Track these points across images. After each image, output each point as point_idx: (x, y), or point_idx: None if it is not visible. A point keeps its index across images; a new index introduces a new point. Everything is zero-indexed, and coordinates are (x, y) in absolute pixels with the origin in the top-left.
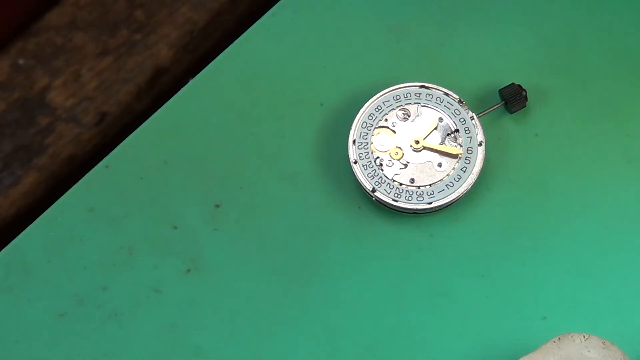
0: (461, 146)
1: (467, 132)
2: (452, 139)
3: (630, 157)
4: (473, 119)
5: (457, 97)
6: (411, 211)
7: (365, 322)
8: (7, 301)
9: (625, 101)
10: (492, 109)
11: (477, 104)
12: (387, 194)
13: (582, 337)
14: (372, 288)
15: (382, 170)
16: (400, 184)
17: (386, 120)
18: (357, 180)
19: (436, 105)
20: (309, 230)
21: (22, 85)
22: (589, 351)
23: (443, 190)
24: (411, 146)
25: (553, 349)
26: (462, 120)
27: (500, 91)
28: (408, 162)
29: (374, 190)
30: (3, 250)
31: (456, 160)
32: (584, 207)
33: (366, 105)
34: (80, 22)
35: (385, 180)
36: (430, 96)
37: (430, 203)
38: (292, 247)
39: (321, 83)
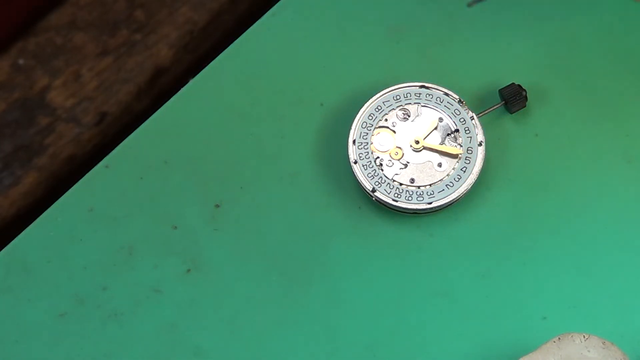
0: (461, 146)
1: (467, 132)
2: (452, 139)
3: (630, 157)
4: (473, 119)
5: (457, 97)
6: (411, 211)
7: (365, 322)
8: (7, 301)
9: (625, 101)
10: (492, 109)
11: (477, 104)
12: (387, 194)
13: (582, 337)
14: (372, 288)
15: (382, 170)
16: (400, 184)
17: (386, 120)
18: (357, 180)
19: (436, 105)
20: (309, 230)
21: (22, 85)
22: (589, 351)
23: (443, 190)
24: (411, 146)
25: (553, 349)
26: (462, 120)
27: (500, 91)
28: (408, 162)
29: (374, 190)
30: (3, 250)
31: (456, 160)
32: (584, 207)
33: (366, 105)
34: (80, 22)
35: (385, 180)
36: (430, 96)
37: (430, 203)
38: (292, 247)
39: (321, 83)
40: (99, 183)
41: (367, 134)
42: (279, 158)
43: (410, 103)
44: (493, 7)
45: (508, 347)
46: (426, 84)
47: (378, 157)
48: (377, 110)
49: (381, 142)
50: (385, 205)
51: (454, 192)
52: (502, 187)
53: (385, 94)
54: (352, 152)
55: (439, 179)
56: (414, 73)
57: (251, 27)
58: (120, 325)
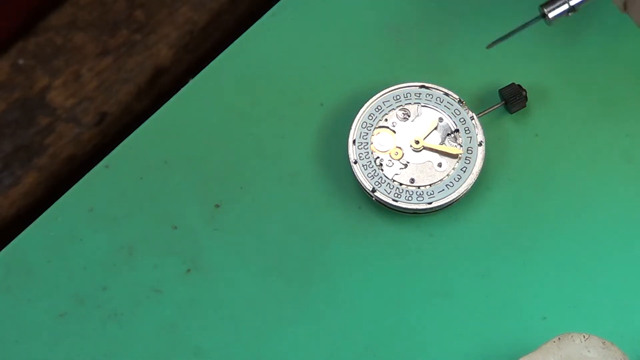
0: (461, 146)
1: (467, 132)
2: (452, 139)
3: (630, 157)
4: (473, 119)
5: (457, 97)
6: (411, 211)
7: (365, 322)
8: (7, 301)
9: (625, 101)
10: (492, 109)
11: (477, 104)
12: (387, 194)
13: (582, 337)
14: (372, 288)
15: (382, 170)
16: (400, 184)
17: (386, 120)
18: (357, 180)
19: (436, 105)
20: (309, 230)
21: (22, 85)
22: (589, 351)
23: (443, 190)
24: (411, 146)
25: (553, 349)
26: (462, 120)
27: (500, 91)
28: (408, 162)
29: (374, 190)
30: (3, 250)
31: (456, 160)
32: (584, 207)
33: (366, 105)
34: (80, 22)
35: (385, 180)
36: (430, 96)
37: (430, 203)
38: (292, 247)
39: (321, 83)
40: (99, 183)
41: (367, 134)
42: (279, 158)
43: (410, 103)
44: (493, 7)
45: (508, 347)
46: (426, 84)
47: (378, 157)
48: (377, 110)
49: (381, 142)
50: (385, 205)
51: (454, 192)
52: (502, 187)
53: (385, 94)
54: (352, 152)
55: (439, 179)
56: (414, 73)
57: (251, 27)
58: (120, 325)
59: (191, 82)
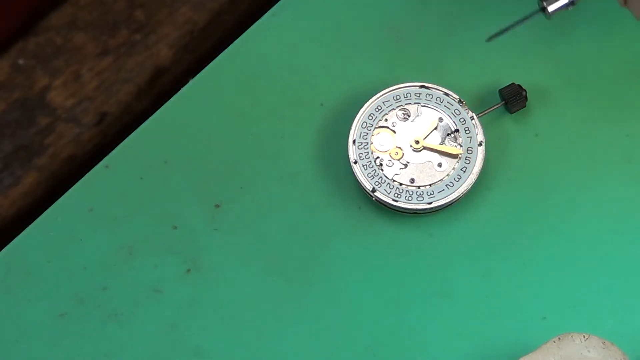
0: (461, 146)
1: (467, 132)
2: (452, 139)
3: (630, 157)
4: (473, 119)
5: (457, 97)
6: (411, 211)
7: (365, 322)
8: (7, 301)
9: (625, 101)
10: (492, 109)
11: (477, 104)
12: (387, 194)
13: (582, 337)
14: (372, 288)
15: (382, 170)
16: (400, 184)
17: (386, 120)
18: (357, 180)
19: (436, 105)
20: (309, 230)
21: (22, 85)
22: (589, 351)
23: (443, 190)
24: (411, 146)
25: (553, 349)
26: (462, 120)
27: (500, 91)
28: (408, 162)
29: (374, 190)
30: (3, 250)
31: (456, 160)
32: (584, 207)
33: (366, 105)
34: (80, 22)
35: (385, 180)
36: (430, 96)
37: (430, 203)
38: (292, 247)
39: (321, 83)
40: (99, 183)
41: (367, 134)
42: (279, 158)
43: (410, 103)
44: (493, 7)
45: (508, 347)
46: (426, 84)
47: (378, 157)
48: (377, 110)
49: (381, 142)
50: (385, 205)
51: (454, 192)
52: (502, 187)
53: (385, 94)
54: (352, 152)
55: (439, 179)
56: (414, 73)
57: (251, 27)
58: (120, 325)
59: (191, 82)
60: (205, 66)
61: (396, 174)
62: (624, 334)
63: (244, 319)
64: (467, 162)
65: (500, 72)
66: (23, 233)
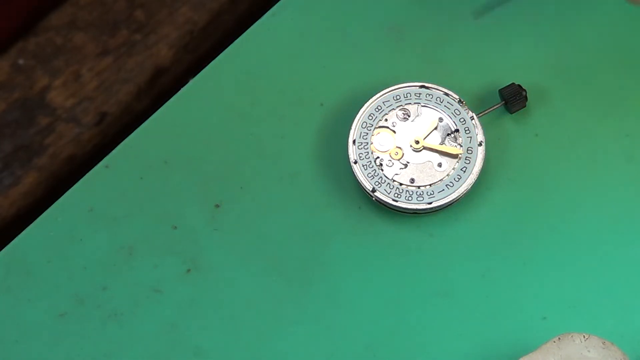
0: (461, 146)
1: (467, 132)
2: (452, 139)
3: (630, 157)
4: (473, 119)
5: (457, 97)
6: (411, 211)
7: (365, 322)
8: (7, 301)
9: (625, 101)
10: (492, 109)
11: (477, 104)
12: (387, 194)
13: (582, 337)
14: (372, 288)
15: (382, 170)
16: (400, 184)
17: (386, 120)
18: (357, 180)
19: (436, 105)
20: (309, 230)
21: (22, 85)
22: (589, 351)
23: (443, 190)
24: (411, 146)
25: (553, 349)
26: (462, 120)
27: (500, 91)
28: (408, 162)
29: (374, 190)
30: (3, 250)
31: (456, 160)
32: (584, 207)
33: (366, 105)
34: (80, 22)
35: (385, 180)
36: (430, 96)
37: (430, 203)
38: (292, 247)
39: (321, 83)
40: (99, 183)
41: (367, 134)
42: (279, 158)
43: (410, 103)
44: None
45: (508, 347)
46: (426, 84)
47: (378, 157)
48: (377, 110)
49: (381, 142)
50: (385, 205)
51: (454, 192)
52: (502, 187)
53: (385, 94)
54: (352, 152)
55: (439, 179)
56: (414, 73)
57: (251, 27)
58: (120, 325)
59: (191, 82)
60: (205, 66)
61: (396, 174)
62: (624, 334)
63: (244, 319)
64: (467, 162)
65: (500, 72)
66: (23, 233)
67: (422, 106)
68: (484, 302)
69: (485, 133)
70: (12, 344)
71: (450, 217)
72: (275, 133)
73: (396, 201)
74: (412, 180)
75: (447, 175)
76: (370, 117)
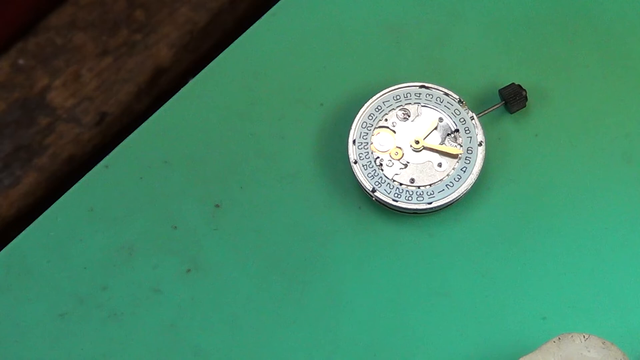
0: (461, 146)
1: (467, 132)
2: (452, 139)
3: (629, 157)
4: (473, 119)
5: (457, 97)
6: (411, 211)
7: (365, 322)
8: (7, 301)
9: (624, 101)
10: (492, 109)
11: (477, 104)
12: (387, 194)
13: (582, 337)
14: (372, 288)
15: (382, 170)
16: (400, 184)
17: (386, 120)
18: (357, 180)
19: (436, 105)
20: (309, 230)
21: (22, 85)
22: (589, 351)
23: (443, 190)
24: (411, 146)
25: (553, 349)
26: (462, 120)
27: (500, 91)
28: (408, 162)
29: (374, 190)
30: (3, 250)
31: (456, 160)
32: (583, 207)
33: (366, 105)
34: (80, 22)
35: (385, 180)
36: (430, 96)
37: (430, 203)
38: (292, 247)
39: (321, 83)
40: (99, 183)
41: (367, 134)
42: (279, 158)
43: (410, 103)
44: (493, 7)
45: (508, 347)
46: (426, 84)
47: (378, 157)
48: (377, 110)
49: (381, 142)
50: (385, 205)
51: (454, 192)
52: (502, 187)
53: (385, 94)
54: (352, 152)
55: (439, 179)
56: (414, 73)
57: (251, 27)
58: (120, 325)
59: (191, 82)
60: (205, 66)
61: (396, 174)
62: (624, 334)
63: (244, 319)
64: (467, 162)
65: (500, 72)
66: (23, 233)
67: (422, 106)
68: (484, 302)
69: (485, 133)
70: (12, 344)
71: (450, 217)
72: (275, 133)
73: (396, 201)
74: (412, 180)
75: (447, 175)
76: (370, 117)
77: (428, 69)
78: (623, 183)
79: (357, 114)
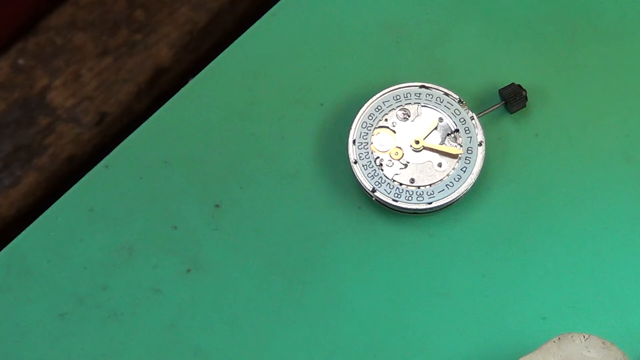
0: (461, 146)
1: (467, 132)
2: (452, 139)
3: (630, 157)
4: (473, 119)
5: (457, 97)
6: (411, 211)
7: (365, 322)
8: (7, 301)
9: (624, 101)
10: (492, 109)
11: (477, 104)
12: (387, 194)
13: (582, 337)
14: (372, 288)
15: (382, 170)
16: (400, 184)
17: (386, 120)
18: (357, 180)
19: (436, 105)
20: (309, 230)
21: (22, 85)
22: (589, 351)
23: (443, 190)
24: (411, 146)
25: (553, 349)
26: (462, 120)
27: (500, 91)
28: (408, 162)
29: (374, 190)
30: (3, 250)
31: (456, 160)
32: (583, 207)
33: (366, 105)
34: (80, 22)
35: (385, 180)
36: (430, 96)
37: (430, 203)
38: (292, 247)
39: (321, 83)
40: (99, 183)
41: (367, 134)
42: (279, 158)
43: (410, 103)
44: (493, 7)
45: (508, 347)
46: (426, 84)
47: (378, 157)
48: (377, 110)
49: (381, 142)
50: (385, 205)
51: (454, 192)
52: (502, 187)
53: (385, 94)
54: (352, 152)
55: (439, 179)
56: (414, 73)
57: (251, 27)
58: (120, 325)
59: (191, 82)
60: (205, 66)
61: (396, 174)
62: (624, 334)
63: (244, 319)
64: (467, 162)
65: (500, 72)
66: (23, 233)
67: (422, 106)
68: (484, 302)
69: (485, 133)
70: (12, 344)
71: (450, 217)
72: (275, 133)
73: (396, 201)
74: (412, 180)
75: (447, 175)
76: (370, 117)
77: (428, 69)
78: (623, 183)
79: (357, 114)
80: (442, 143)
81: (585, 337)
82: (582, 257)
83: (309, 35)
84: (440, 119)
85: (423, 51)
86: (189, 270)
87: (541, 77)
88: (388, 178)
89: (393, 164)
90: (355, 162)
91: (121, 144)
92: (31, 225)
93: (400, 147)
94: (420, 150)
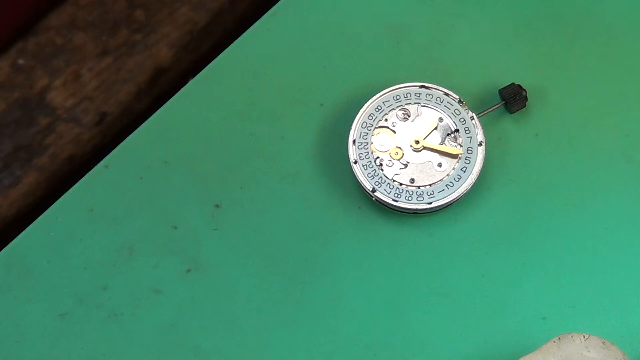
0: (461, 146)
1: (467, 132)
2: (452, 139)
3: (630, 157)
4: (473, 119)
5: (457, 97)
6: (411, 211)
7: (365, 322)
8: (7, 301)
9: (624, 101)
10: (492, 109)
11: (477, 104)
12: (387, 194)
13: (582, 337)
14: (372, 288)
15: (382, 170)
16: (400, 184)
17: (386, 120)
18: (357, 180)
19: (436, 105)
20: (309, 231)
21: (22, 85)
22: (589, 351)
23: (443, 190)
24: (411, 146)
25: (553, 349)
26: (462, 120)
27: (500, 91)
28: (408, 162)
29: (374, 190)
30: (3, 250)
31: (456, 160)
32: (583, 207)
33: (366, 105)
34: (80, 22)
35: (385, 180)
36: (430, 96)
37: (430, 203)
38: (292, 247)
39: (321, 83)
40: (99, 183)
41: (367, 134)
42: (279, 158)
43: (410, 103)
44: (493, 7)
45: (508, 347)
46: (426, 84)
47: (378, 157)
48: (377, 110)
49: (381, 142)
50: (385, 205)
51: (454, 192)
52: (502, 187)
53: (385, 94)
54: (352, 152)
55: (439, 179)
56: (414, 73)
57: (251, 27)
58: (120, 325)
59: (191, 82)
60: (205, 66)
61: (396, 174)
62: (624, 334)
63: (244, 319)
64: (467, 162)
65: (500, 72)
66: (23, 233)
67: (422, 106)
68: (484, 302)
69: (485, 133)
70: (12, 344)
71: (450, 217)
72: (275, 133)
73: (396, 201)
74: (412, 180)
75: (447, 175)
76: (370, 117)
77: (428, 69)
78: (623, 183)
79: (357, 114)
80: (442, 143)
81: (585, 337)
82: (582, 257)
83: (309, 35)
84: (440, 119)
85: (423, 51)
86: (189, 270)
87: (541, 77)
88: (388, 178)
89: (393, 164)
90: (355, 162)
91: (121, 144)
92: (31, 225)
93: (400, 147)
94: (420, 150)
